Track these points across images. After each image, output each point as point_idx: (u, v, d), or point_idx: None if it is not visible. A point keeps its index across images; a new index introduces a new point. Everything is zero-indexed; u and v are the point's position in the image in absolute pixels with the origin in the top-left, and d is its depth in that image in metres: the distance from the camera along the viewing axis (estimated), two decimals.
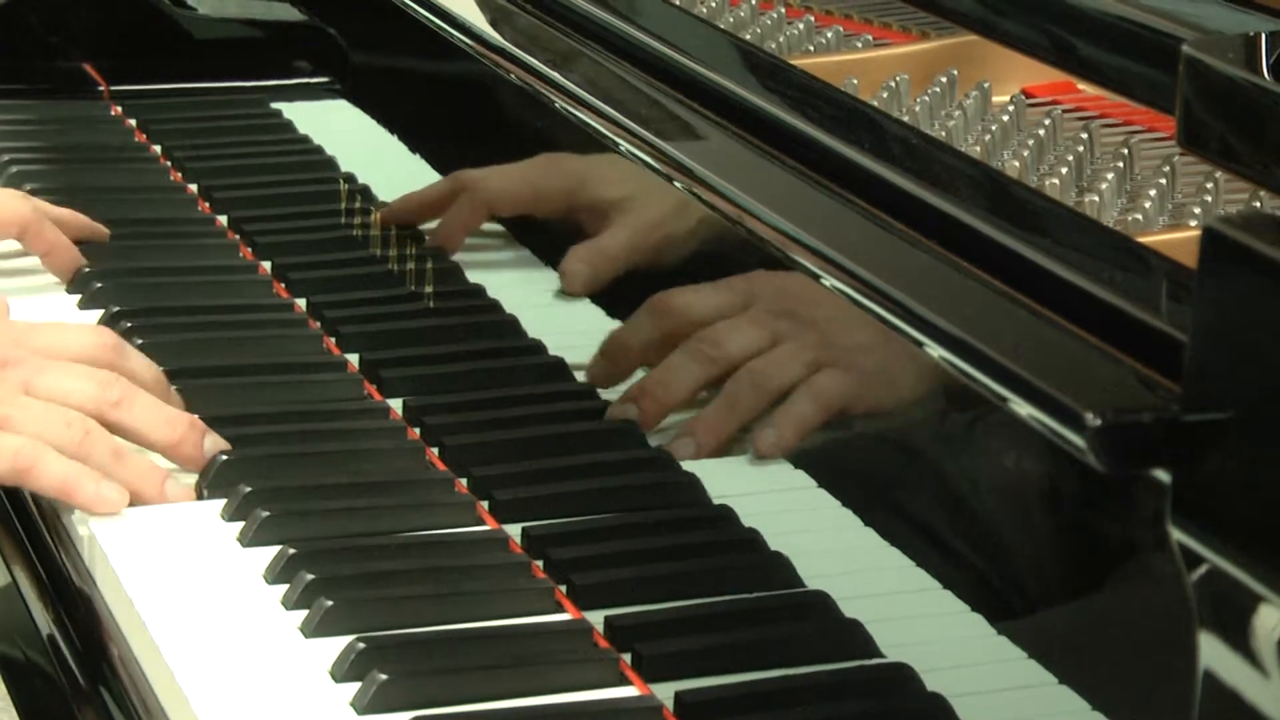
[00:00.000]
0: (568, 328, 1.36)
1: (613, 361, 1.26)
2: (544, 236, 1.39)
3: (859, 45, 1.38)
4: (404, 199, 1.51)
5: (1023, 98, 1.27)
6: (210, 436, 1.21)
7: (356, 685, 1.02)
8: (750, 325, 1.18)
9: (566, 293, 1.33)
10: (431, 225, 1.49)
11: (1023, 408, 0.88)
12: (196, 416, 1.22)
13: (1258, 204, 1.10)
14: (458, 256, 1.47)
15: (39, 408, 1.18)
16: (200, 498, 1.20)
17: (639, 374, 1.25)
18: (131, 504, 1.18)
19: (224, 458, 1.20)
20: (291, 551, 1.12)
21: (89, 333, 1.26)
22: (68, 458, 1.17)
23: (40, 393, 1.19)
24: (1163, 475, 0.83)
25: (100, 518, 1.16)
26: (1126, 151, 1.18)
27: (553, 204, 1.37)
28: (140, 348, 1.36)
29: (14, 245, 1.49)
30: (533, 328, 1.38)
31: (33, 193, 1.60)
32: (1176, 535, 0.81)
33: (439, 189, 1.50)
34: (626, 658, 1.06)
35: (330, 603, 1.07)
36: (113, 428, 1.20)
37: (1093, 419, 0.83)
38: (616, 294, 1.29)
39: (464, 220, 1.45)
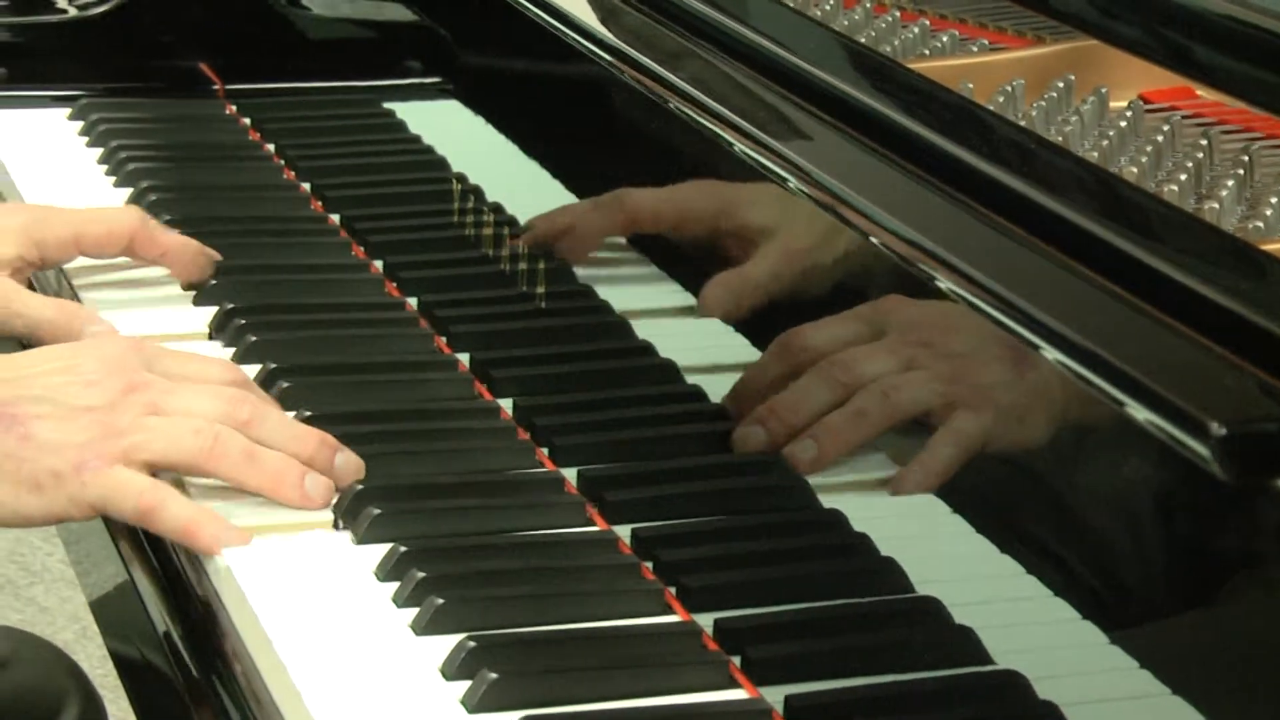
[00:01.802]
0: (680, 330, 1.36)
1: (746, 404, 1.24)
2: (672, 252, 1.39)
3: (974, 49, 1.38)
4: (547, 219, 1.48)
5: (1141, 103, 1.26)
6: (343, 453, 1.19)
7: (467, 684, 1.02)
8: (884, 351, 1.16)
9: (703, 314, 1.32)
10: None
11: (1143, 414, 0.87)
12: (328, 435, 1.21)
13: None
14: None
15: (165, 424, 1.17)
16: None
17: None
18: (272, 505, 1.16)
19: (358, 487, 1.18)
20: (403, 549, 1.12)
21: (217, 365, 1.25)
22: (199, 466, 1.16)
23: (169, 413, 1.18)
24: None
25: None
26: (1247, 158, 1.16)
27: (697, 228, 1.36)
28: (252, 345, 1.36)
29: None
30: (643, 329, 1.38)
31: (147, 190, 1.61)
32: None
33: (591, 210, 1.46)
34: (736, 660, 1.05)
35: (441, 601, 1.07)
36: None
37: (1218, 427, 0.82)
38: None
39: (598, 227, 1.43)
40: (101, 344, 1.24)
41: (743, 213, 1.30)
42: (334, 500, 1.18)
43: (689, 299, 1.39)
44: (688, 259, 1.34)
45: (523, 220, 1.52)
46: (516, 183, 1.61)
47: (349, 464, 1.20)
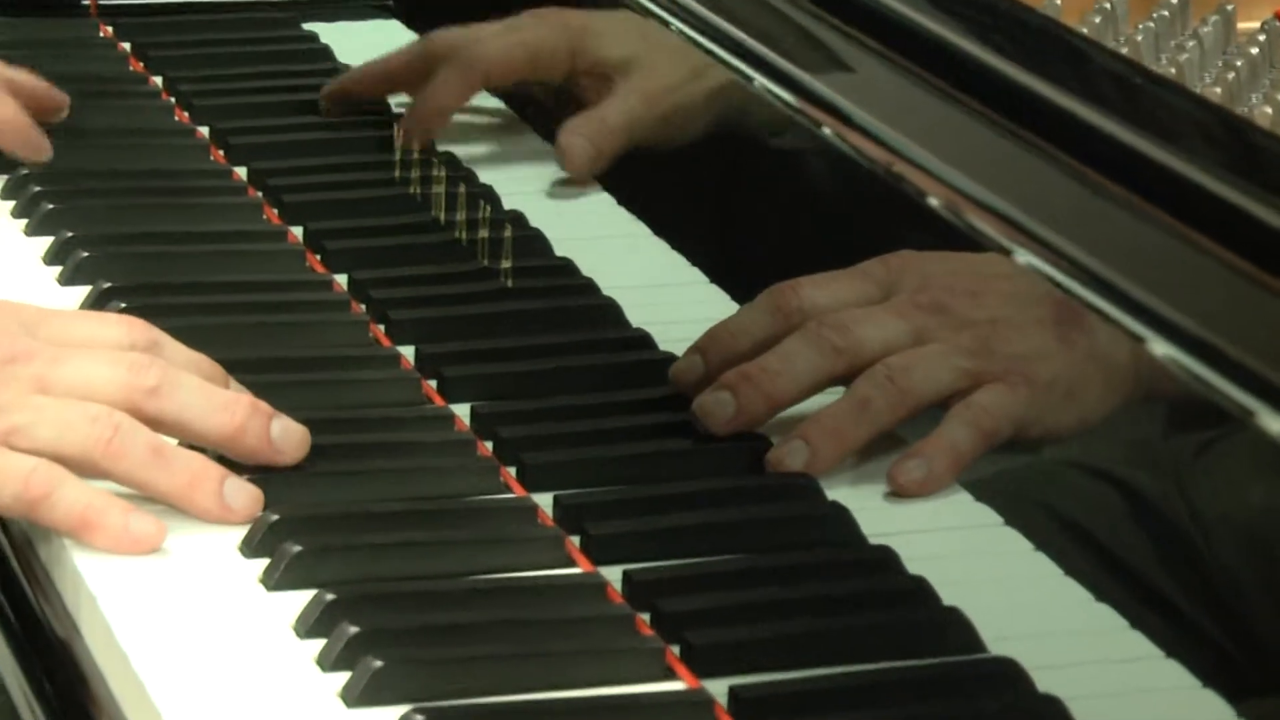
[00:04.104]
0: (683, 315, 1.36)
1: (716, 360, 1.27)
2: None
3: None
4: (365, 68, 1.59)
5: (1277, 24, 1.26)
6: (280, 420, 1.20)
7: None
8: (891, 315, 1.19)
9: (568, 174, 1.45)
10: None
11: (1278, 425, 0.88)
12: (260, 400, 1.21)
13: None
14: (539, 223, 1.47)
15: (55, 407, 1.18)
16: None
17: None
18: (183, 516, 1.17)
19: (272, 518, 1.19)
20: (330, 597, 1.12)
21: (117, 322, 1.25)
22: (95, 463, 1.17)
23: (58, 388, 1.19)
24: None
25: (87, 550, 1.17)
26: None
27: (552, 67, 1.44)
28: None
29: None
30: (636, 314, 1.38)
31: None
32: None
33: (411, 55, 1.60)
34: None
35: (380, 663, 1.07)
36: (152, 422, 1.19)
37: None
38: (748, 281, 1.29)
39: (455, 92, 1.53)
40: None
41: (599, 45, 1.37)
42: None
43: (697, 274, 1.40)
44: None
45: (480, 175, 1.53)
46: (472, 126, 1.61)
47: (290, 434, 1.21)
